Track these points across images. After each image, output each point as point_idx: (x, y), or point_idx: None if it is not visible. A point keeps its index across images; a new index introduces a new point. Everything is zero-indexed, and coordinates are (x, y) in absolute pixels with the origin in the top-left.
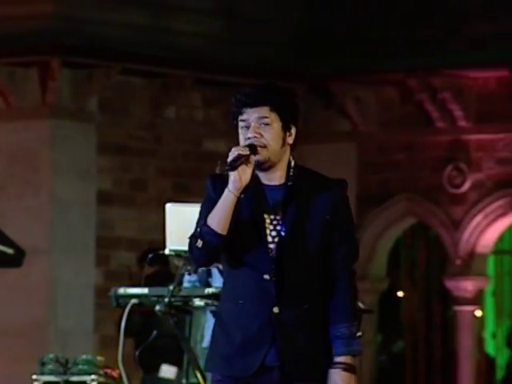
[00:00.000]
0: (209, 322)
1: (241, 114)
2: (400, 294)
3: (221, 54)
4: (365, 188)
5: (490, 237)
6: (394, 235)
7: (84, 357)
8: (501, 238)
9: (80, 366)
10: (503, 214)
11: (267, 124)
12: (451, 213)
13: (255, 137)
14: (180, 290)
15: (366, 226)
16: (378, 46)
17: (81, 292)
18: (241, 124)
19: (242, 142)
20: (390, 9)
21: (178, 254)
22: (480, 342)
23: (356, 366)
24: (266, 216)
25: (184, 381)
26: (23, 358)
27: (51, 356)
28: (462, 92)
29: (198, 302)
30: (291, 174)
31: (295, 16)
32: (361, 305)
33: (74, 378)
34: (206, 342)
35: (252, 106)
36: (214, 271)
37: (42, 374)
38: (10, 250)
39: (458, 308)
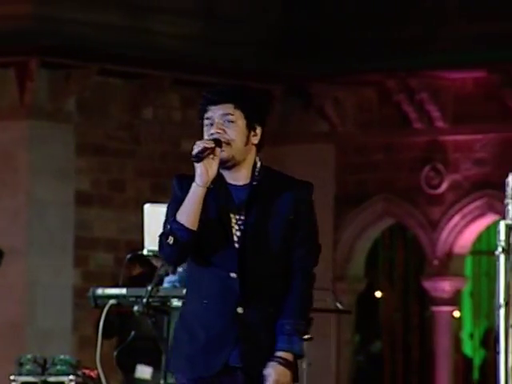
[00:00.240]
0: None
1: (206, 111)
2: (378, 294)
3: (199, 54)
4: (343, 189)
5: (467, 237)
6: (372, 236)
7: (62, 357)
8: (478, 239)
9: (58, 367)
10: (480, 215)
11: (231, 121)
12: (429, 213)
13: (218, 133)
14: (158, 291)
15: (344, 226)
16: (357, 46)
17: (59, 292)
18: (205, 122)
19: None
20: (368, 10)
21: (156, 254)
22: (457, 342)
23: (332, 366)
24: (231, 215)
25: (162, 381)
26: (1, 359)
27: (29, 356)
28: (439, 93)
29: (175, 303)
30: (256, 174)
31: (273, 17)
32: (339, 305)
33: (52, 379)
34: None
35: (216, 103)
36: None
37: (20, 374)
38: None
39: (435, 308)
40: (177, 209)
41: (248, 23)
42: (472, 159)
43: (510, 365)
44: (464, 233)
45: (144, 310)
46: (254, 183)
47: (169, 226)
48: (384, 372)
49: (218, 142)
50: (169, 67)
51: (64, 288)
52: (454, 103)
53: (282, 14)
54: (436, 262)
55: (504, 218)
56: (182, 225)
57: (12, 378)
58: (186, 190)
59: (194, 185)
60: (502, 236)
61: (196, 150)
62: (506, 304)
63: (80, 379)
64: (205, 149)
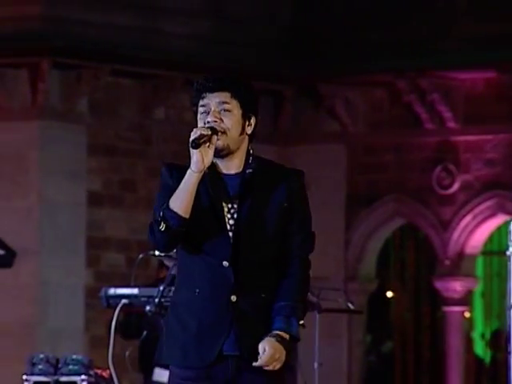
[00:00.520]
0: None
1: (201, 98)
2: (389, 294)
3: (211, 55)
4: (354, 189)
5: (478, 238)
6: (383, 236)
7: (74, 357)
8: (490, 239)
9: (70, 367)
10: (492, 215)
11: (228, 110)
12: (440, 214)
13: (215, 121)
14: (170, 291)
15: (355, 226)
16: (367, 47)
17: (71, 292)
18: (200, 109)
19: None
20: (378, 10)
21: (168, 255)
22: (469, 342)
23: (344, 366)
24: (224, 204)
25: None
26: (13, 359)
27: (41, 356)
28: (450, 93)
29: None
30: (249, 162)
31: (284, 17)
32: (350, 305)
33: (64, 378)
34: None
35: (213, 90)
36: None
37: (33, 374)
38: (0, 251)
39: (446, 309)
40: (167, 197)
41: (259, 24)
42: (483, 159)
43: None
44: (475, 233)
45: (156, 310)
46: (247, 171)
47: (161, 213)
48: (395, 372)
49: (214, 131)
50: (180, 68)
51: (76, 288)
52: (464, 104)
53: (294, 15)
54: (447, 262)
55: None
56: (174, 212)
57: (24, 377)
58: (175, 178)
59: (188, 172)
60: None
61: (193, 136)
62: None
63: (92, 379)
64: (202, 135)
